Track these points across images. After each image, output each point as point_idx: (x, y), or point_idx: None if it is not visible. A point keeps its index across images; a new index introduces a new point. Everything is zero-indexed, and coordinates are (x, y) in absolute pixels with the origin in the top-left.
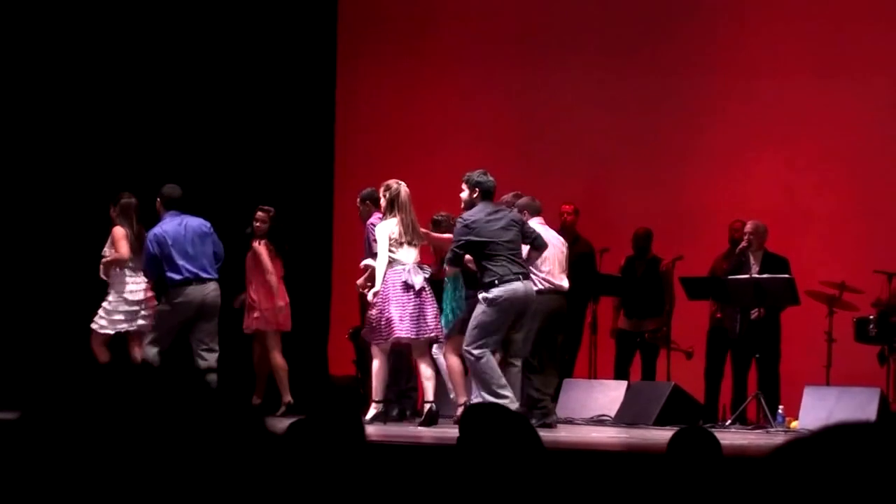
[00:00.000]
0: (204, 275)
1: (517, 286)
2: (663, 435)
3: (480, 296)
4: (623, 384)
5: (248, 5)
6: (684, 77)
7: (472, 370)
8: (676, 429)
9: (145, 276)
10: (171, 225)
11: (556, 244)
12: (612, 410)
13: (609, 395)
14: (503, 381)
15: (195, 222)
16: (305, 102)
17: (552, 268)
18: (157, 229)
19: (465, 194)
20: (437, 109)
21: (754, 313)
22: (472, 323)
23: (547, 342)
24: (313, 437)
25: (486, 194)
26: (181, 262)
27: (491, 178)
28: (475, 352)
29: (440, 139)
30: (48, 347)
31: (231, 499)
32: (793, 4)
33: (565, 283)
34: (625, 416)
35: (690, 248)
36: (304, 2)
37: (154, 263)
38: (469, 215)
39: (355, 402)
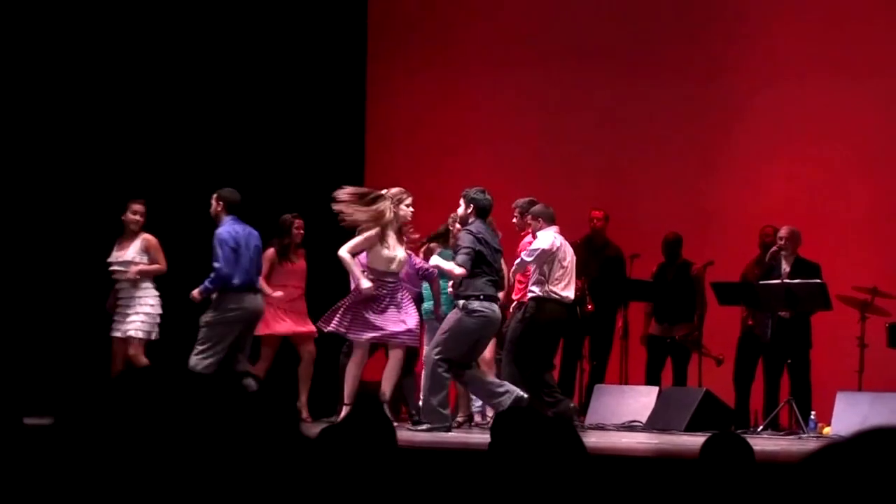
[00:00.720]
0: (257, 286)
1: (495, 307)
2: (695, 441)
3: (461, 303)
4: (654, 390)
5: (279, 11)
6: (713, 81)
7: (429, 372)
8: (708, 435)
9: (221, 278)
10: (240, 228)
11: (573, 257)
12: (644, 416)
13: (640, 400)
14: (445, 396)
15: (255, 233)
16: (335, 106)
17: (566, 282)
18: (229, 229)
19: (461, 210)
20: (465, 114)
21: (784, 312)
22: (444, 327)
23: (549, 351)
24: (345, 442)
25: (482, 212)
26: (245, 269)
27: (488, 197)
28: (439, 358)
29: (468, 142)
30: (80, 353)
31: (264, 501)
32: (821, 7)
33: (571, 295)
34: (656, 422)
35: (721, 254)
36: (335, 7)
37: (232, 263)
38: (475, 228)
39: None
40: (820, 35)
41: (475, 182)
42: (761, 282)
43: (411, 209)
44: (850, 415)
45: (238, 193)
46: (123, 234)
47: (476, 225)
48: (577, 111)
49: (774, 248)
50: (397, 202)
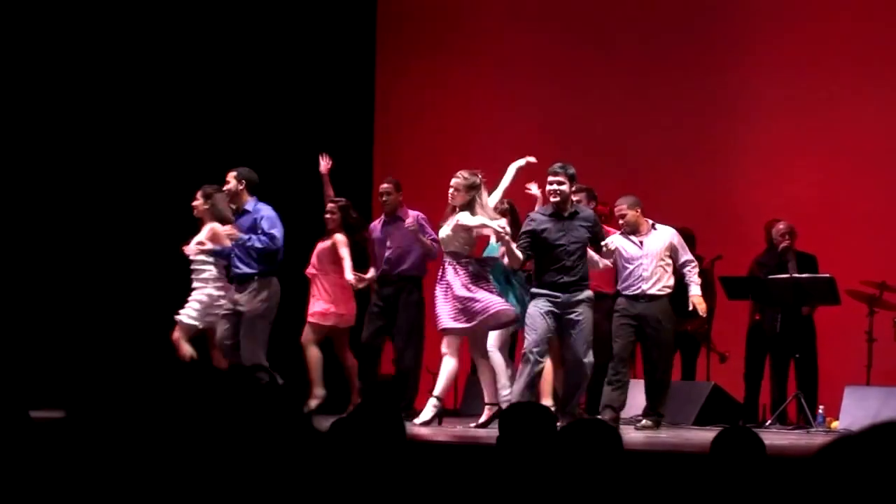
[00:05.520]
0: None
1: None
2: (703, 435)
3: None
4: None
5: (288, 2)
6: (724, 75)
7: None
8: (717, 429)
9: (273, 247)
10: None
11: None
12: None
13: None
14: None
15: None
16: (344, 93)
17: None
18: (271, 210)
19: (566, 187)
20: (473, 101)
21: (804, 309)
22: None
23: None
24: (355, 435)
25: None
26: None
27: None
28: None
29: (475, 130)
30: (92, 345)
31: (274, 494)
32: (835, 3)
33: None
34: (664, 416)
35: (729, 248)
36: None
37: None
38: None
39: (397, 401)
40: (835, 28)
41: (488, 171)
42: (770, 276)
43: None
44: (858, 409)
45: (255, 172)
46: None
47: None
48: (585, 103)
49: (785, 244)
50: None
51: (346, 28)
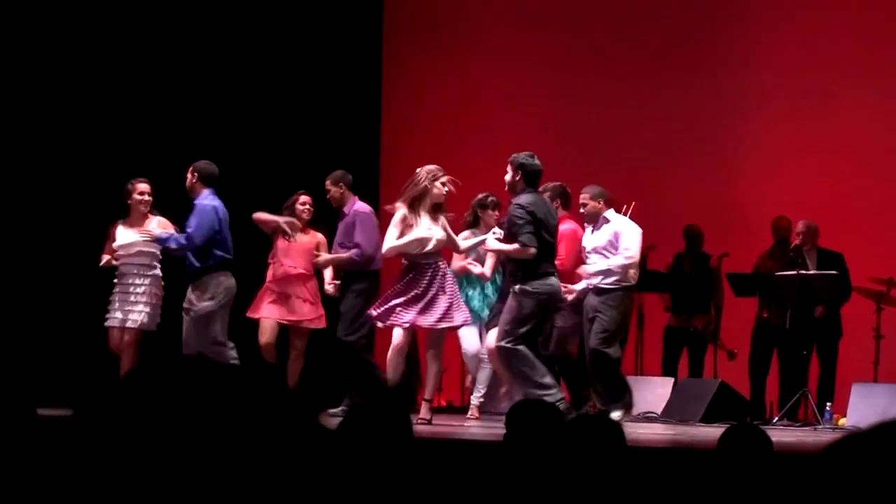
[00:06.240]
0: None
1: (554, 281)
2: (710, 432)
3: (518, 287)
4: (670, 381)
5: (294, 2)
6: (730, 74)
7: (509, 365)
8: (724, 426)
9: (188, 248)
10: (220, 202)
11: None
12: (659, 407)
13: (656, 391)
14: (543, 370)
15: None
16: (350, 99)
17: None
18: (216, 202)
19: (508, 177)
20: (483, 100)
21: (818, 311)
22: (507, 316)
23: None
24: (362, 433)
25: (531, 179)
26: (229, 245)
27: (538, 162)
28: (509, 345)
29: (485, 129)
30: (100, 345)
31: (281, 492)
32: (836, 3)
33: None
34: (671, 413)
35: (737, 245)
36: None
37: (211, 239)
38: (524, 201)
39: (403, 400)
40: (845, 28)
41: (491, 168)
42: (777, 273)
43: (445, 188)
44: (865, 406)
45: (215, 165)
46: (129, 217)
47: (525, 197)
48: (590, 103)
49: (796, 242)
50: (431, 179)
51: (352, 28)
